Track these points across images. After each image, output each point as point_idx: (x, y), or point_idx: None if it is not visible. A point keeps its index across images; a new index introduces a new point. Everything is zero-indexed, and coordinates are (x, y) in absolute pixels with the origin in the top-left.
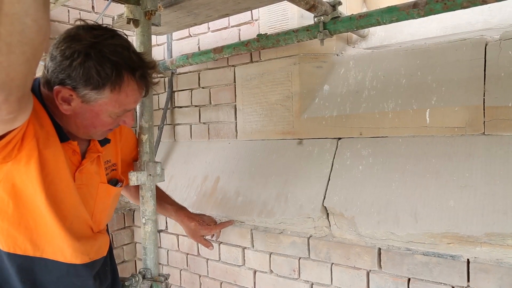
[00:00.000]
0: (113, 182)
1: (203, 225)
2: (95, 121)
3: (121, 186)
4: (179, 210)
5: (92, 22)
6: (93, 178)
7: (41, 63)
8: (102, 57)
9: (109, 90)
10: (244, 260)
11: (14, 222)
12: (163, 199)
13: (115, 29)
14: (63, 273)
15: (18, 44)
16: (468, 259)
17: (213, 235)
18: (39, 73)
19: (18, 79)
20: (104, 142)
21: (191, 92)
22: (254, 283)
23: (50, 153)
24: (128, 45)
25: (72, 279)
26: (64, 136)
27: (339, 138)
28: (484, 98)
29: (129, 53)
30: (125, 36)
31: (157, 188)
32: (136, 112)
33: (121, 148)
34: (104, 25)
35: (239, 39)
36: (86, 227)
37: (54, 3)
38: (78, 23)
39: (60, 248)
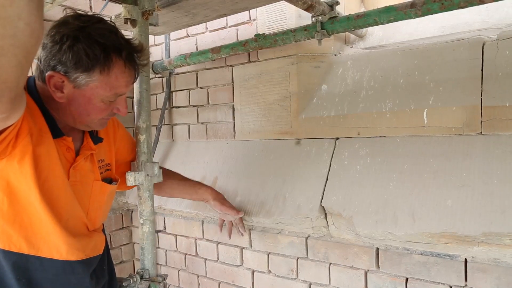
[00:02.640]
0: (108, 180)
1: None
2: (88, 107)
3: (115, 184)
4: (203, 186)
5: (81, 12)
6: (88, 176)
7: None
8: (90, 40)
9: (99, 71)
10: (242, 260)
11: (9, 219)
12: (185, 178)
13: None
14: (59, 270)
15: (10, 48)
16: (465, 259)
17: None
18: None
19: (10, 81)
20: (97, 140)
21: (189, 92)
22: (252, 283)
23: (43, 149)
24: (115, 30)
25: (69, 276)
26: (58, 131)
27: (337, 138)
28: (481, 98)
29: (116, 37)
30: (113, 24)
31: (176, 172)
32: (133, 112)
33: (116, 150)
34: (92, 14)
35: (237, 39)
36: (81, 225)
37: (51, 3)
38: (67, 11)
39: (56, 245)
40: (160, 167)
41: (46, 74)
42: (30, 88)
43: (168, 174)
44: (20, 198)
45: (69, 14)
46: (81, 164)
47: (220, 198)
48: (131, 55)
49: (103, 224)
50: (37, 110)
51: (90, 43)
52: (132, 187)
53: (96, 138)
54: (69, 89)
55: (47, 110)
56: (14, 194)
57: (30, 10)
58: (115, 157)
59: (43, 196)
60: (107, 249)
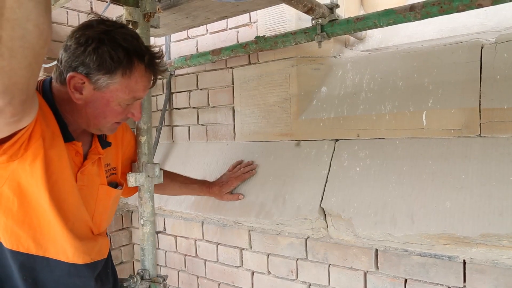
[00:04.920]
0: (113, 184)
1: (223, 185)
2: (105, 109)
3: (121, 189)
4: (202, 185)
5: (104, 17)
6: (94, 180)
7: (44, 66)
8: (115, 43)
9: (121, 74)
10: (242, 261)
11: (19, 220)
12: (187, 181)
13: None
14: (65, 272)
15: (20, 49)
16: (464, 260)
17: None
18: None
19: (20, 83)
20: (105, 145)
21: (189, 93)
22: (252, 284)
23: (55, 153)
24: (137, 36)
25: (74, 279)
26: (69, 136)
27: (337, 140)
28: (480, 100)
29: (138, 42)
30: (134, 30)
31: (178, 174)
32: None
33: (123, 153)
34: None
35: (237, 41)
36: (87, 228)
37: (53, 5)
38: (91, 15)
39: (63, 247)
40: (161, 169)
41: (68, 75)
42: (45, 90)
43: (170, 177)
44: (30, 199)
45: (93, 18)
46: (89, 168)
47: (217, 194)
48: (152, 61)
49: (106, 229)
50: (50, 113)
51: (114, 46)
52: (132, 193)
53: (104, 142)
54: (89, 90)
55: (59, 113)
56: (24, 196)
57: (39, 12)
58: (121, 161)
59: (52, 198)
60: (109, 253)
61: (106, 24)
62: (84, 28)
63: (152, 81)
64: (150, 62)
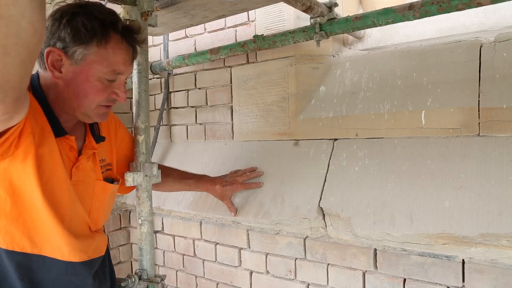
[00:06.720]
0: (109, 180)
1: (226, 186)
2: (85, 85)
3: (117, 184)
4: (200, 180)
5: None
6: (89, 175)
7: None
8: (90, 15)
9: (96, 44)
10: (241, 260)
11: (12, 219)
12: (182, 176)
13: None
14: (62, 271)
15: (14, 47)
16: (463, 260)
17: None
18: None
19: (13, 81)
20: (99, 139)
21: (188, 93)
22: (251, 283)
23: (46, 149)
24: (114, 12)
25: (71, 277)
26: (61, 130)
27: (335, 139)
28: (479, 100)
29: (115, 17)
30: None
31: (173, 169)
32: (132, 112)
33: (117, 149)
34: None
35: (236, 40)
36: (84, 225)
37: (50, 3)
38: None
39: (58, 245)
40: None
41: (45, 50)
42: (34, 85)
43: (165, 172)
44: (23, 198)
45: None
46: (84, 163)
47: (219, 194)
48: (128, 32)
49: (103, 225)
50: (39, 109)
51: (89, 17)
52: (129, 190)
53: (98, 137)
54: (67, 67)
55: (50, 109)
56: (17, 194)
57: (33, 9)
58: (115, 157)
59: (45, 196)
60: (108, 251)
61: (82, 1)
62: (60, 6)
63: (132, 54)
64: (126, 32)
